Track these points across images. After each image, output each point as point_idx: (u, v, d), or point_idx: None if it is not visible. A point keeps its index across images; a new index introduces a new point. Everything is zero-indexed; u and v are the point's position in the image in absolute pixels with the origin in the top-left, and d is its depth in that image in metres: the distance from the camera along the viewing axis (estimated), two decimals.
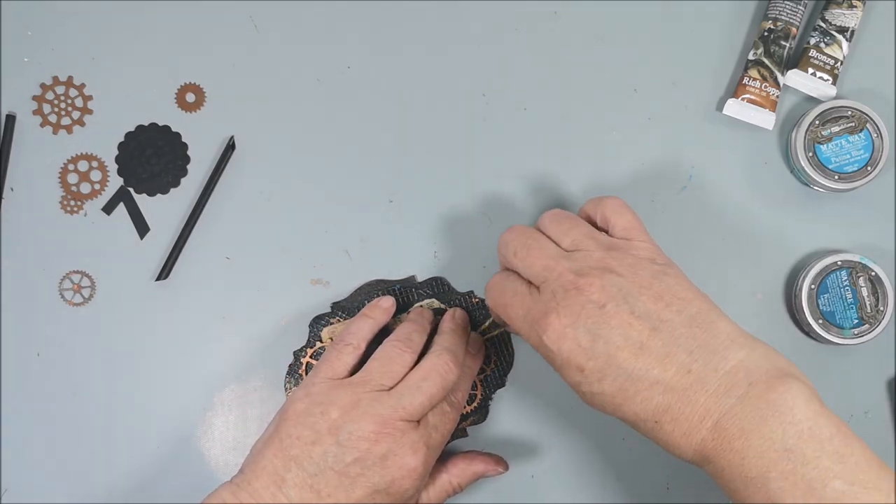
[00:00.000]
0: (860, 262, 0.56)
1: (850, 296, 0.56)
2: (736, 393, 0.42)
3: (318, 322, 0.57)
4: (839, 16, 0.58)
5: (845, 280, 0.56)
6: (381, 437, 0.46)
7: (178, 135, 0.58)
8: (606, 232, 0.49)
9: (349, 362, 0.50)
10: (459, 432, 0.56)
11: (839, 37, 0.58)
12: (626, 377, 0.43)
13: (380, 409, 0.46)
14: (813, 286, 0.56)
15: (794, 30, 0.58)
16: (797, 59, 0.59)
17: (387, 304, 0.54)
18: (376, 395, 0.47)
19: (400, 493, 0.46)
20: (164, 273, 0.57)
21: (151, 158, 0.58)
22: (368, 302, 0.55)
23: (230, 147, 0.58)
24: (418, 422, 0.48)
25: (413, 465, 0.46)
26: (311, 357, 0.56)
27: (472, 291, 0.57)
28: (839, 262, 0.56)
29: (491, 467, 0.53)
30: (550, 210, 0.51)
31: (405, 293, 0.57)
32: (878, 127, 0.57)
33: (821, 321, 0.56)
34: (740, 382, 0.42)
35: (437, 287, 0.57)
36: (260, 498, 0.45)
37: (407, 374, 0.49)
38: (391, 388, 0.48)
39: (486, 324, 0.56)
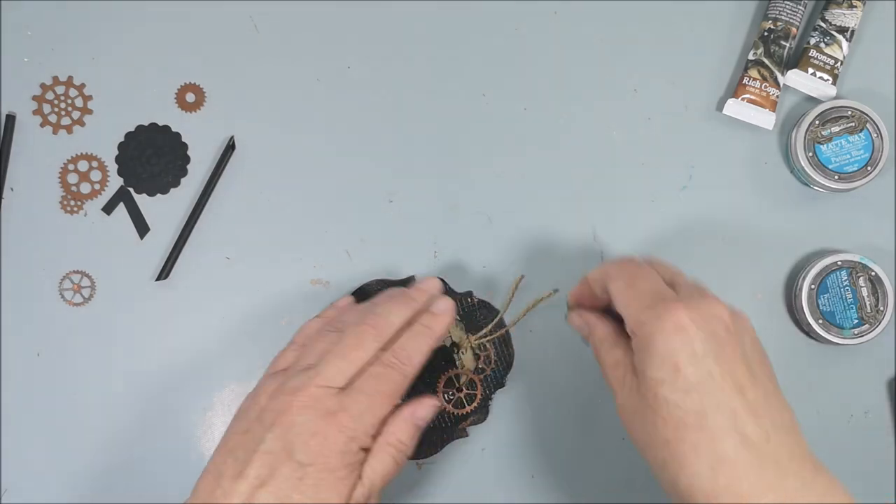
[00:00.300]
0: (860, 262, 0.56)
1: (850, 296, 0.56)
2: (802, 478, 0.41)
3: None
4: (839, 16, 0.58)
5: (845, 280, 0.56)
6: (297, 409, 0.46)
7: (178, 135, 0.58)
8: None
9: (290, 358, 0.50)
10: (459, 432, 0.56)
11: (839, 37, 0.58)
12: (714, 406, 0.41)
13: (296, 382, 0.47)
14: (813, 286, 0.56)
15: (794, 30, 0.58)
16: (797, 59, 0.59)
17: (342, 302, 0.55)
18: (297, 373, 0.48)
19: (324, 465, 0.45)
20: (164, 273, 0.57)
21: (151, 158, 0.58)
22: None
23: (230, 147, 0.58)
24: (342, 388, 0.47)
25: (326, 431, 0.45)
26: None
27: (471, 292, 0.57)
28: (839, 262, 0.56)
29: (417, 407, 0.50)
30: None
31: None
32: (878, 127, 0.57)
33: (821, 321, 0.56)
34: (806, 471, 0.42)
35: None
36: (197, 499, 0.45)
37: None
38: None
39: (489, 327, 0.56)
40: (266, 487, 0.45)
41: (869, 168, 0.57)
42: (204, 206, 0.58)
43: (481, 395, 0.56)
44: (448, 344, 0.56)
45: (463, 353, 0.56)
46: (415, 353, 0.49)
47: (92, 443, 0.57)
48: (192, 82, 0.59)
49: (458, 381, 0.55)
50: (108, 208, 0.58)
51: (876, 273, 0.56)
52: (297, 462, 0.45)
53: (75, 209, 0.58)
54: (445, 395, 0.56)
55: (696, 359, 0.42)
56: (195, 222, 0.58)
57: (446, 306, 0.51)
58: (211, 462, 0.47)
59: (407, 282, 0.57)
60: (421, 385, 0.53)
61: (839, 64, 0.58)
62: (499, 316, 0.56)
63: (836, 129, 0.57)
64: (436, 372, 0.55)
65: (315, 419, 0.45)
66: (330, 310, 0.55)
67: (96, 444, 0.57)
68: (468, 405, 0.56)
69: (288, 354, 0.51)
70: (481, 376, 0.56)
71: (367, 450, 0.47)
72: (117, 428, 0.57)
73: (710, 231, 0.59)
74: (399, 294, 0.51)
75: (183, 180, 0.58)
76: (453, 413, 0.55)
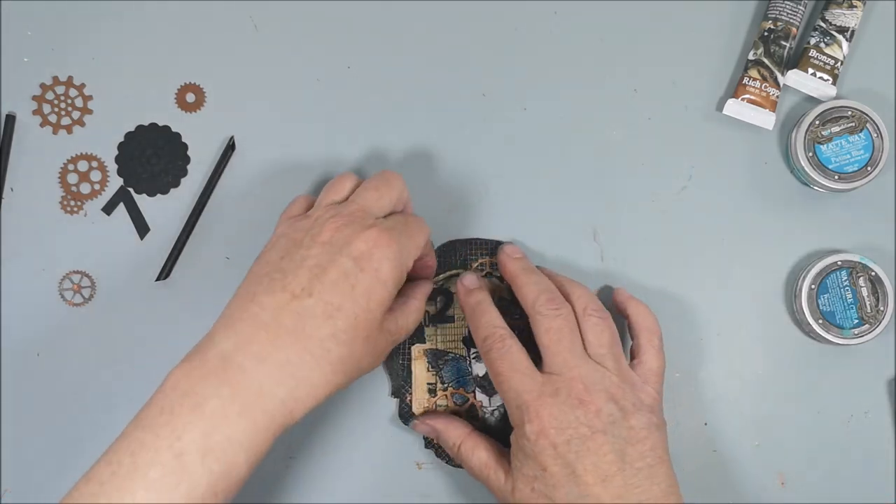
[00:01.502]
0: (860, 262, 0.56)
1: (850, 296, 0.56)
2: None
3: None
4: (839, 16, 0.58)
5: (845, 280, 0.56)
6: (341, 227, 0.47)
7: (178, 135, 0.58)
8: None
9: (303, 205, 0.52)
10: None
11: (839, 37, 0.58)
12: (578, 497, 0.46)
13: (333, 212, 0.48)
14: (813, 286, 0.56)
15: (794, 30, 0.58)
16: (797, 59, 0.59)
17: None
18: (330, 208, 0.49)
19: (376, 273, 0.46)
20: (165, 273, 0.57)
21: (151, 158, 0.58)
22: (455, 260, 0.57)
23: (230, 147, 0.58)
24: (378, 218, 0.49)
25: (377, 239, 0.46)
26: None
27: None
28: (839, 262, 0.56)
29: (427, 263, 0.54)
30: (592, 297, 0.52)
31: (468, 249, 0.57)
32: (878, 127, 0.57)
33: (821, 321, 0.56)
34: None
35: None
36: (225, 317, 0.45)
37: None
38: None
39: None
40: (314, 296, 0.44)
41: (869, 168, 0.57)
42: (204, 206, 0.58)
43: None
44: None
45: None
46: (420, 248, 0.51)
47: (92, 443, 0.57)
48: (192, 82, 0.59)
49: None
50: (108, 208, 0.58)
51: (876, 273, 0.56)
52: (349, 266, 0.45)
53: (75, 209, 0.58)
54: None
55: (560, 459, 0.46)
56: (195, 222, 0.58)
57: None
58: (239, 290, 0.46)
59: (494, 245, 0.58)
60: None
61: (839, 64, 0.58)
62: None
63: (836, 129, 0.57)
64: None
65: (364, 230, 0.46)
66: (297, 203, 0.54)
67: (96, 444, 0.57)
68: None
69: (296, 204, 0.53)
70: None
71: (404, 275, 0.49)
72: (117, 428, 0.57)
73: (710, 231, 0.59)
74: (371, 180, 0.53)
75: (183, 180, 0.58)
76: None
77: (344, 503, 0.57)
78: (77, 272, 0.58)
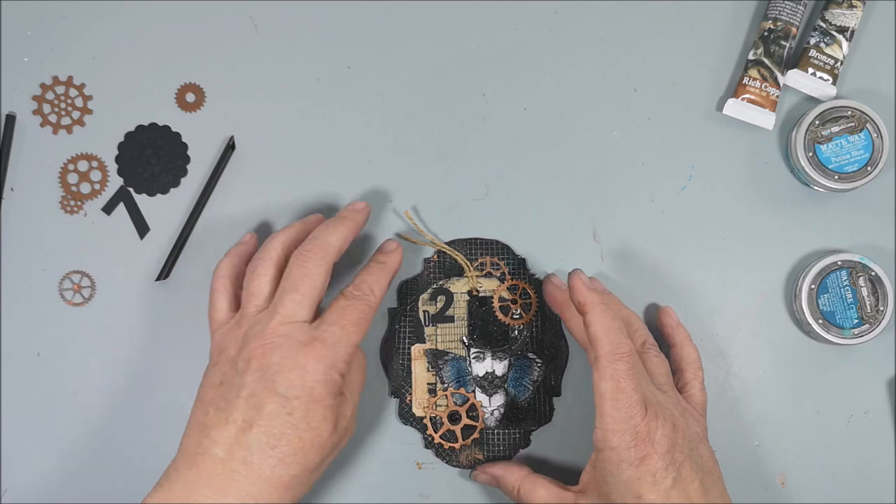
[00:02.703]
0: (860, 262, 0.56)
1: (850, 296, 0.56)
2: None
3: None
4: (839, 16, 0.58)
5: (845, 280, 0.56)
6: (269, 349, 0.46)
7: (178, 135, 0.58)
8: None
9: (223, 306, 0.52)
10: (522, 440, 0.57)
11: (839, 37, 0.58)
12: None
13: (259, 327, 0.48)
14: (813, 286, 0.56)
15: (794, 30, 0.58)
16: (797, 59, 0.59)
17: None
18: (256, 317, 0.48)
19: (309, 396, 0.46)
20: (164, 273, 0.57)
21: (151, 158, 0.58)
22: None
23: (230, 147, 0.58)
24: (309, 322, 0.48)
25: (305, 362, 0.46)
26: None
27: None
28: (839, 262, 0.56)
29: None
30: (647, 330, 0.54)
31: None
32: (878, 127, 0.57)
33: (821, 321, 0.56)
34: None
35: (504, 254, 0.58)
36: (185, 451, 0.46)
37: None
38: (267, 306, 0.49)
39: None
40: (255, 427, 0.45)
41: (869, 168, 0.57)
42: (204, 206, 0.58)
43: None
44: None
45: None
46: (375, 285, 0.51)
47: (92, 442, 0.57)
48: (192, 82, 0.59)
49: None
50: (108, 208, 0.58)
51: (876, 273, 0.56)
52: (283, 397, 0.45)
53: (75, 209, 0.58)
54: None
55: (657, 487, 0.46)
56: (195, 222, 0.58)
57: (394, 245, 0.54)
58: (191, 418, 0.47)
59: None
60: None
61: (839, 64, 0.58)
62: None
63: (836, 128, 0.57)
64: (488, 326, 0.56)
65: (291, 354, 0.46)
66: (239, 246, 0.54)
67: (96, 443, 0.57)
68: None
69: (220, 302, 0.52)
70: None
71: (343, 375, 0.48)
72: (118, 428, 0.57)
73: (710, 231, 0.59)
74: (330, 220, 0.53)
75: (183, 180, 0.58)
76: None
77: (344, 503, 0.57)
78: (77, 272, 0.58)
